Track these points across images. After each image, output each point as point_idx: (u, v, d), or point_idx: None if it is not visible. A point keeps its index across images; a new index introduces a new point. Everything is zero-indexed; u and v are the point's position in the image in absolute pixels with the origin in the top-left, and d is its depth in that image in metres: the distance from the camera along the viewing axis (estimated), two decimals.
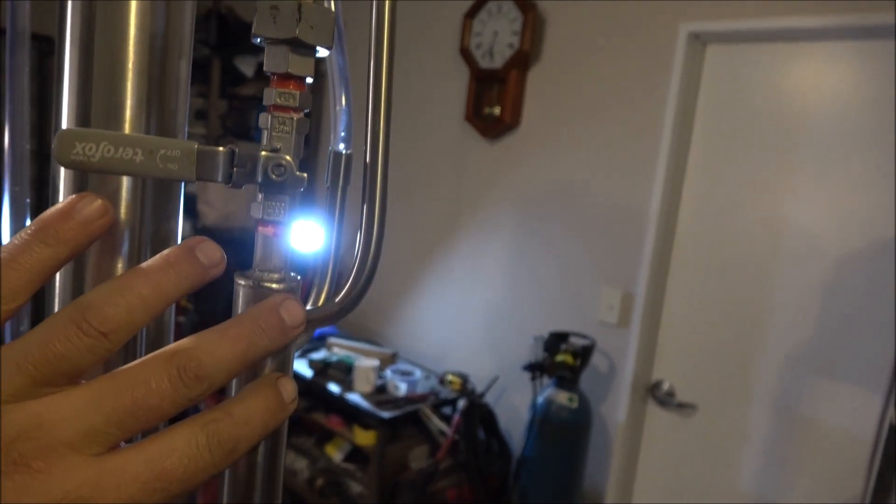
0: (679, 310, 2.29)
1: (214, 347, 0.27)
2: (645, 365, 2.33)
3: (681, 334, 2.29)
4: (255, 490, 0.34)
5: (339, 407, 2.55)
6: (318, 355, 2.68)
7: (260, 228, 0.32)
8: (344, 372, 2.55)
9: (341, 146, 0.33)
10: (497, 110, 2.59)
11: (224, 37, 3.08)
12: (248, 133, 3.29)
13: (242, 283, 0.32)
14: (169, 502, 0.25)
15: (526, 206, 2.62)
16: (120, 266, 0.34)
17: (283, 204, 0.31)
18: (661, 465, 2.34)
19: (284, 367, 0.32)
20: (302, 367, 2.65)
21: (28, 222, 0.42)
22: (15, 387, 0.24)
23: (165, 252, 0.28)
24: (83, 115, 0.31)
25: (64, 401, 0.24)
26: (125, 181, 0.33)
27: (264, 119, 0.31)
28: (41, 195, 0.41)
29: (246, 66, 3.15)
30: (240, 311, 0.32)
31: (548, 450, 2.27)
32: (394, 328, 3.10)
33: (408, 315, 3.05)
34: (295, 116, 0.31)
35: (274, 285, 0.32)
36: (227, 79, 3.24)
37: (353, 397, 2.43)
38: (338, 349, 2.77)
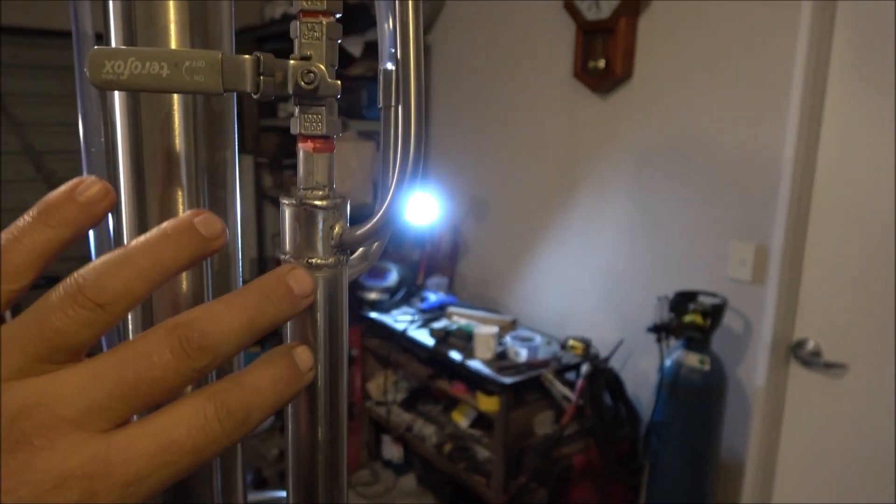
0: (823, 262, 2.08)
1: (219, 317, 0.25)
2: (786, 323, 2.15)
3: (826, 288, 2.08)
4: (318, 472, 0.33)
5: (462, 374, 2.58)
6: (439, 324, 2.72)
7: (300, 144, 0.31)
8: (464, 340, 2.57)
9: (389, 65, 0.31)
10: (604, 63, 2.46)
11: None
12: (360, 112, 3.37)
13: (286, 202, 0.31)
14: (181, 476, 0.25)
15: (644, 162, 2.48)
16: (180, 195, 0.34)
17: (320, 116, 0.30)
18: (808, 431, 2.16)
19: (305, 335, 0.31)
20: (423, 335, 2.70)
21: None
22: (14, 364, 0.23)
23: (164, 224, 0.27)
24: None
25: (65, 377, 0.24)
26: (175, 109, 0.33)
27: (294, 27, 0.30)
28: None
29: (353, 47, 3.21)
30: (287, 229, 0.31)
31: (679, 414, 2.16)
32: (512, 296, 3.08)
33: (526, 282, 3.02)
34: (324, 21, 0.29)
35: (318, 202, 0.30)
36: None
37: (474, 364, 2.44)
38: (457, 318, 2.79)
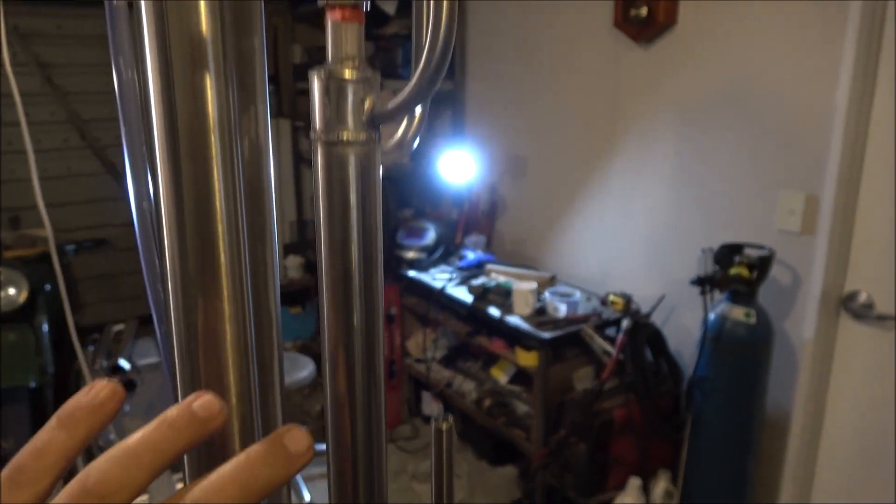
0: (876, 212, 1.99)
1: (214, 498, 0.26)
2: (836, 275, 2.08)
3: (879, 240, 2.00)
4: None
5: (501, 330, 2.58)
6: (477, 281, 2.71)
7: (328, 14, 0.29)
8: (503, 296, 2.57)
9: None
10: (646, 11, 2.37)
11: None
12: (396, 72, 3.34)
13: (315, 75, 0.30)
14: None
15: (688, 112, 2.40)
16: (208, 80, 0.33)
17: None
18: (858, 385, 2.10)
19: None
20: (462, 293, 2.71)
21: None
22: None
23: (166, 412, 0.28)
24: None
25: None
26: None
27: None
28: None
29: (387, 5, 3.17)
30: (316, 105, 0.30)
31: (723, 369, 2.12)
32: (552, 253, 3.05)
33: (565, 239, 2.98)
34: None
35: (347, 74, 0.29)
36: (370, 21, 3.29)
37: (513, 320, 2.44)
38: (496, 275, 2.78)
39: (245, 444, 0.34)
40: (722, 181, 2.31)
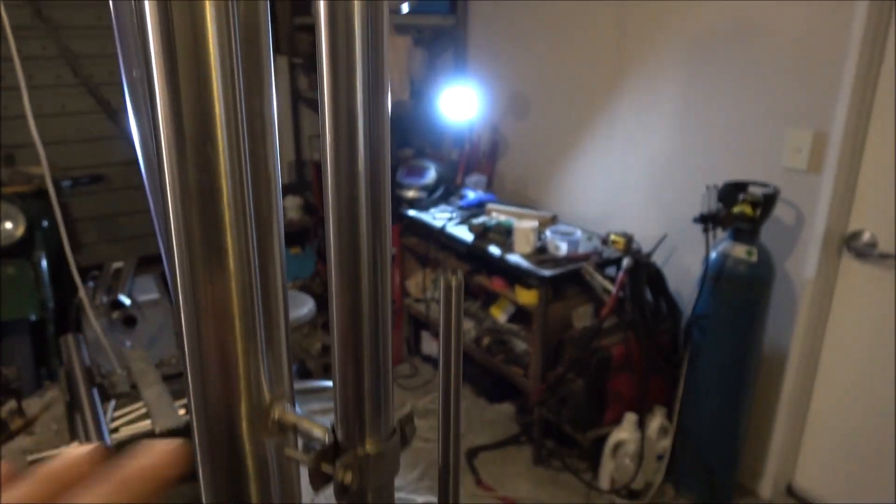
0: (884, 150, 1.96)
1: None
2: (841, 214, 2.06)
3: (886, 178, 1.97)
4: None
5: (501, 269, 2.57)
6: (478, 220, 2.69)
7: None
8: (503, 235, 2.55)
9: None
10: None
11: None
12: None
13: None
14: None
15: (696, 49, 2.33)
16: (208, 11, 0.30)
17: None
18: (857, 324, 2.10)
19: None
20: (462, 232, 2.69)
21: None
22: None
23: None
24: None
25: None
26: None
27: None
28: None
29: None
30: None
31: (723, 307, 2.12)
32: (553, 194, 3.02)
33: (567, 180, 2.95)
34: None
35: None
36: None
37: (514, 258, 2.43)
38: (496, 214, 2.76)
39: (250, 377, 0.34)
40: (728, 119, 2.26)
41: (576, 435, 2.35)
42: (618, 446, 2.29)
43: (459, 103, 3.02)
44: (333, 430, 0.33)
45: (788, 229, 2.15)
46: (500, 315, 2.75)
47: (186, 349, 0.33)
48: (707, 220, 2.09)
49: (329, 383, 2.75)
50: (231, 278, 0.32)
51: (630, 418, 2.26)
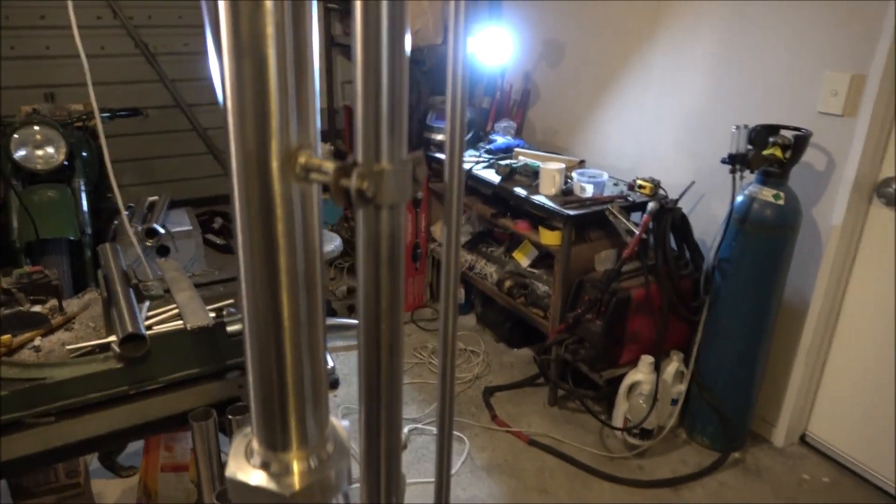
0: None
1: None
2: (873, 160, 2.03)
3: None
4: None
5: (526, 212, 2.59)
6: (505, 162, 2.70)
7: None
8: (530, 176, 2.56)
9: None
10: None
11: None
12: None
13: None
14: None
15: None
16: None
17: None
18: (883, 272, 2.09)
19: None
20: (489, 174, 2.71)
21: None
22: None
23: None
24: None
25: None
26: None
27: None
28: None
29: None
30: None
31: (746, 250, 2.12)
32: (583, 142, 3.01)
33: (598, 128, 2.94)
34: None
35: None
36: None
37: (539, 198, 2.44)
38: (523, 157, 2.77)
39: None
40: (765, 63, 2.23)
41: (591, 374, 2.38)
42: (633, 387, 2.32)
43: (493, 48, 3.01)
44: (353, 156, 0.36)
45: (818, 175, 2.13)
46: (523, 259, 2.78)
47: (229, 89, 0.36)
48: (735, 161, 2.07)
49: (354, 321, 2.82)
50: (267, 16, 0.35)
51: (646, 360, 2.29)
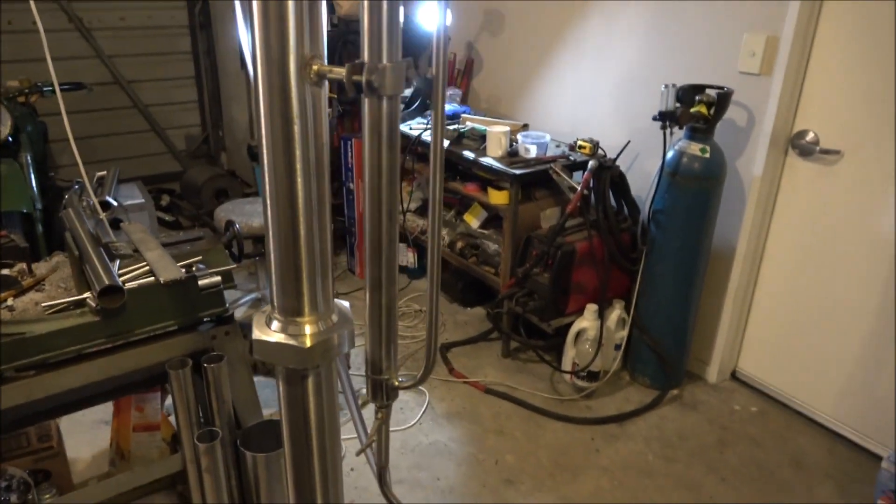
0: (831, 53, 2.11)
1: None
2: (787, 114, 2.23)
3: (830, 81, 2.13)
4: None
5: (474, 175, 2.71)
6: (452, 127, 2.81)
7: None
8: (477, 141, 2.68)
9: None
10: None
11: None
12: None
13: None
14: None
15: None
16: None
17: None
18: (799, 218, 2.30)
19: None
20: None
21: None
22: None
23: None
24: None
25: None
26: None
27: None
28: None
29: None
30: None
31: (678, 201, 2.30)
32: (526, 108, 3.15)
33: (539, 94, 3.07)
34: None
35: None
36: None
37: (486, 160, 2.56)
38: (470, 122, 2.88)
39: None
40: (691, 27, 2.39)
41: (541, 324, 2.54)
42: (579, 334, 2.49)
43: (434, 16, 3.10)
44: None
45: (740, 130, 2.32)
46: (473, 221, 2.90)
47: (256, 9, 0.46)
48: (665, 118, 2.24)
49: None
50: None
51: (591, 308, 2.46)
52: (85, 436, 2.20)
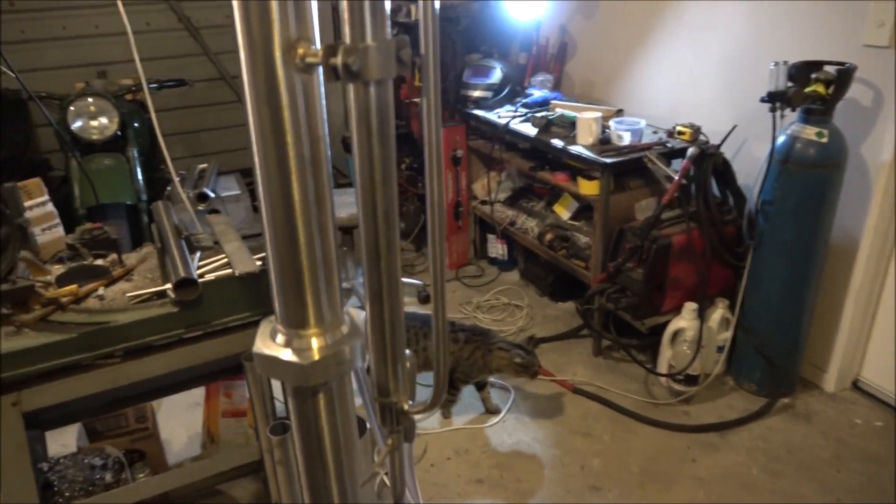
0: None
1: None
2: None
3: None
4: None
5: (563, 164, 2.59)
6: (541, 114, 2.69)
7: None
8: (566, 128, 2.55)
9: None
10: None
11: None
12: None
13: None
14: None
15: None
16: None
17: None
18: None
19: None
20: (526, 128, 2.71)
21: None
22: None
23: None
24: None
25: None
26: None
27: None
28: None
29: None
30: None
31: (790, 191, 2.08)
32: (621, 92, 2.97)
33: (635, 78, 2.89)
34: None
35: None
36: None
37: (576, 149, 2.44)
38: (560, 109, 2.75)
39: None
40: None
41: (634, 322, 2.39)
42: (676, 334, 2.32)
43: (526, 3, 2.99)
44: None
45: (865, 111, 2.06)
46: (563, 212, 2.78)
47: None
48: (775, 99, 2.02)
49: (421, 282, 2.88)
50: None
51: (690, 307, 2.28)
52: (181, 418, 2.30)
